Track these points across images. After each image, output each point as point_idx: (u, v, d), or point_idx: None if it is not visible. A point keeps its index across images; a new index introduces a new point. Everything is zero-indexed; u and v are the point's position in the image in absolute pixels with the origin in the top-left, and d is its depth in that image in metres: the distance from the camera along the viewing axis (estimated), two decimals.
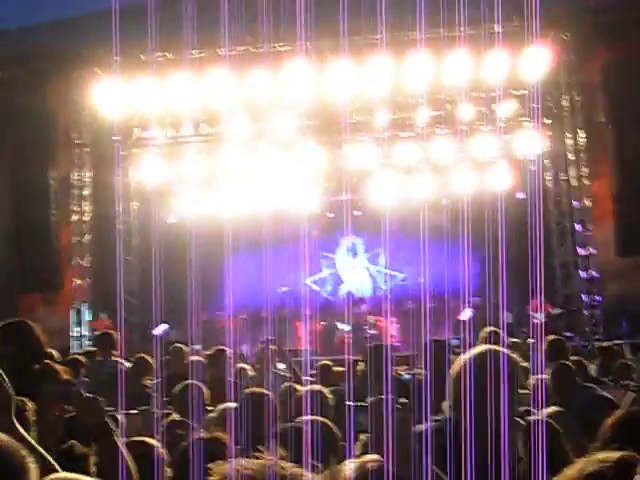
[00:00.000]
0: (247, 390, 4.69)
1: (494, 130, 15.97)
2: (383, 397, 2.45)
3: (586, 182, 16.06)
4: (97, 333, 11.83)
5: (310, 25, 8.94)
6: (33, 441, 2.62)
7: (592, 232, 16.06)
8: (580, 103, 15.94)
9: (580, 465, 1.89)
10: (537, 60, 14.13)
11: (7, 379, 2.62)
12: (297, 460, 1.89)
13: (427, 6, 7.63)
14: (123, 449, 3.09)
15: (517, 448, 3.17)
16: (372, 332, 16.36)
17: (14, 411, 2.57)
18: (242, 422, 3.75)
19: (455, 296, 14.51)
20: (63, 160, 16.78)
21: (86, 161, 17.06)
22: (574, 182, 16.24)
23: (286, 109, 15.67)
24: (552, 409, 5.14)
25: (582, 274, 16.16)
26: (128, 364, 8.14)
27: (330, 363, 9.59)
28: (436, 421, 3.39)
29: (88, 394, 3.35)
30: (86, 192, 17.08)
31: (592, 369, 8.86)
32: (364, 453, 2.76)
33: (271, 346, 9.05)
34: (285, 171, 16.76)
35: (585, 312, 16.00)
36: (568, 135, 16.28)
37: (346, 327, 16.30)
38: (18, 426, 2.54)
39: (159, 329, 14.99)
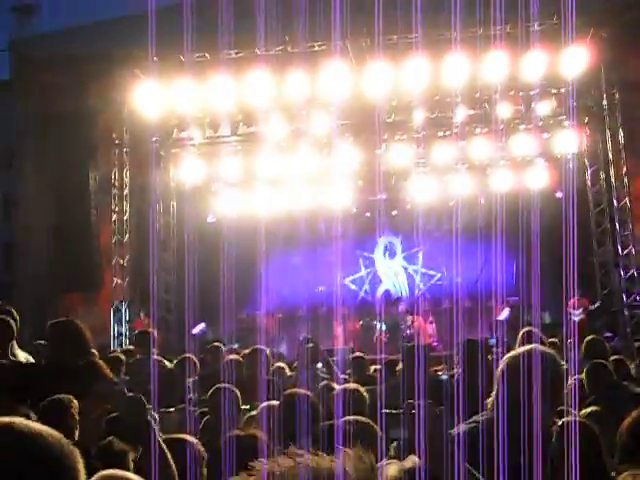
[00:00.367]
0: (288, 391, 4.70)
1: (532, 129, 15.82)
2: (416, 402, 2.47)
3: (626, 181, 15.86)
4: (135, 332, 11.93)
5: (346, 25, 8.97)
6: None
7: (632, 231, 15.85)
8: (620, 101, 15.74)
9: None
10: (576, 58, 14.00)
11: (56, 376, 2.69)
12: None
13: (463, 5, 7.63)
14: (165, 448, 3.14)
15: (557, 447, 3.17)
16: (409, 332, 16.36)
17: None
18: (283, 421, 3.79)
19: (492, 296, 14.46)
20: (103, 160, 16.95)
21: (126, 161, 17.26)
22: (613, 181, 16.05)
23: (323, 109, 15.69)
24: (591, 409, 5.14)
25: (622, 273, 15.96)
26: (168, 363, 8.20)
27: (362, 355, 9.64)
28: (474, 422, 3.41)
29: (131, 393, 3.42)
30: (126, 192, 17.28)
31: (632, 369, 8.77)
32: (397, 455, 2.78)
33: (309, 345, 9.10)
34: (322, 171, 16.81)
35: (625, 312, 15.80)
36: (607, 134, 16.09)
37: (383, 327, 16.30)
38: None
39: (197, 328, 15.12)
